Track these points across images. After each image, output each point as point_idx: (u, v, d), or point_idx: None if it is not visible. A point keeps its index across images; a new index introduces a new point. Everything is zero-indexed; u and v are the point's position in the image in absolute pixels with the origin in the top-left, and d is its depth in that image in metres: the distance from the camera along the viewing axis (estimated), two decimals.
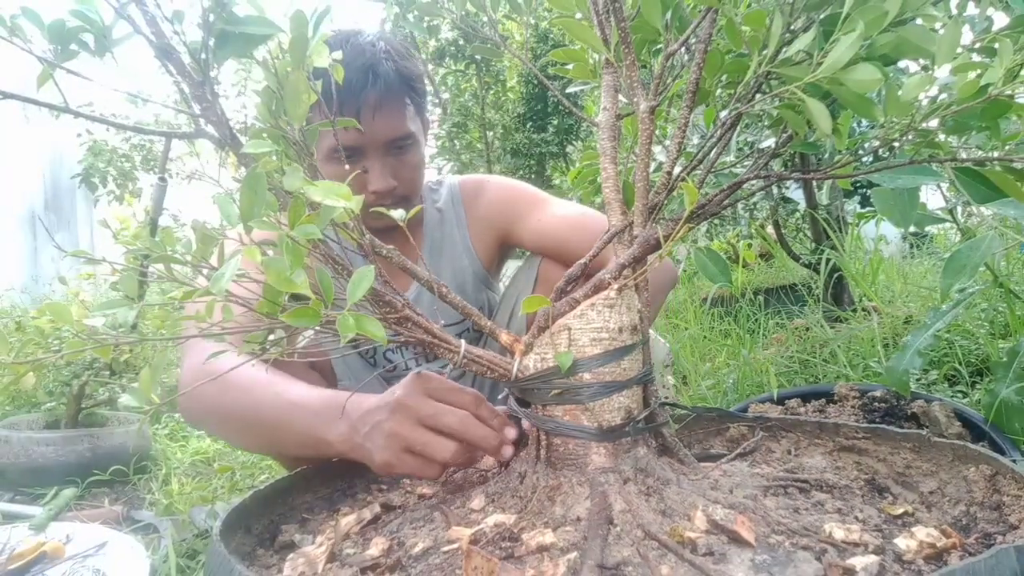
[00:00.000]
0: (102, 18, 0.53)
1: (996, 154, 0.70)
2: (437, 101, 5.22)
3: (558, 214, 1.33)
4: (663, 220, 0.71)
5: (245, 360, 0.70)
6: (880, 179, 0.72)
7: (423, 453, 0.78)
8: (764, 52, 0.62)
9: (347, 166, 1.16)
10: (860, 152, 0.76)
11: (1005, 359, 1.08)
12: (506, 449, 0.79)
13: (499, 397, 0.88)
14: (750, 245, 3.22)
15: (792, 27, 0.65)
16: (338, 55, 0.63)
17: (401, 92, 1.20)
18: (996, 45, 0.58)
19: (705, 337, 2.47)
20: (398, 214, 0.69)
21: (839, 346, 1.83)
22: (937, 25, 0.62)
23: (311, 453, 0.90)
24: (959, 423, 1.11)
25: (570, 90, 0.94)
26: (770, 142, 0.82)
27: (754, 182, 0.75)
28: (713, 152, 0.75)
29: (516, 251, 1.50)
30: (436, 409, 0.79)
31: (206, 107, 0.58)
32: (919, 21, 0.62)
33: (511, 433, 0.79)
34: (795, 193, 2.59)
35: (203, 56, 0.56)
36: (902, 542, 0.56)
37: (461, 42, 4.77)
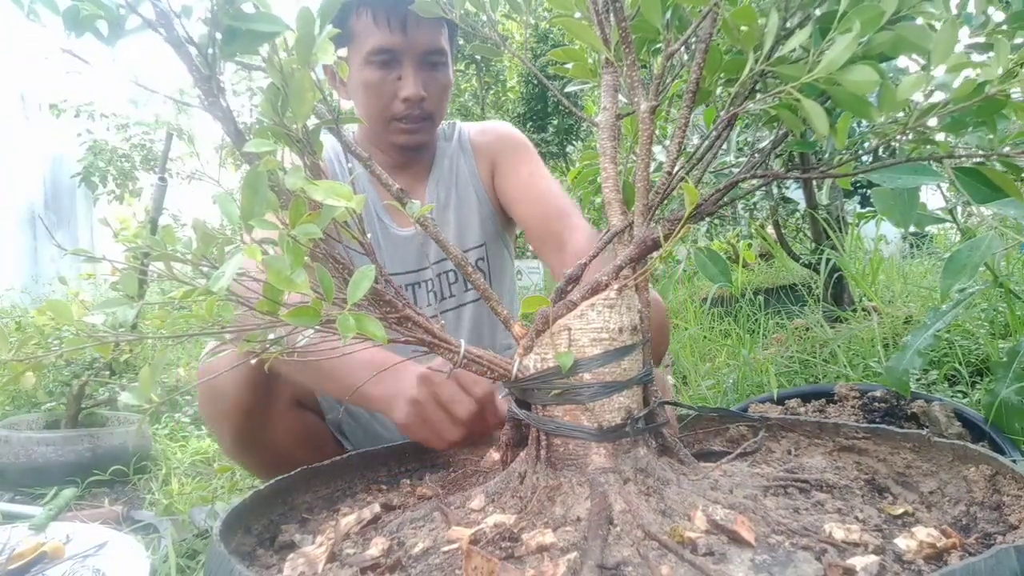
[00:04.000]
0: (115, 5, 0.53)
1: (998, 152, 0.69)
2: None
3: (549, 188, 1.40)
4: (661, 220, 0.71)
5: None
6: (880, 179, 0.71)
7: (435, 429, 0.88)
8: (759, 50, 0.62)
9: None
10: (860, 152, 0.76)
11: (1005, 359, 1.08)
12: (492, 453, 0.86)
13: (499, 397, 0.89)
14: (750, 245, 3.22)
15: (788, 23, 0.65)
16: (343, 52, 0.63)
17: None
18: (994, 41, 0.58)
19: (705, 337, 2.47)
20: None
21: (839, 346, 1.83)
22: (935, 23, 0.61)
23: (355, 402, 0.96)
24: (959, 423, 1.11)
25: (569, 89, 0.94)
26: (768, 141, 0.81)
27: (752, 181, 0.75)
28: (709, 152, 0.75)
29: (520, 247, 1.50)
30: (452, 395, 0.88)
31: (212, 102, 0.58)
32: (919, 21, 0.61)
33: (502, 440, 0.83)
34: (795, 193, 2.59)
35: (210, 51, 0.56)
36: (902, 542, 0.56)
37: (461, 42, 4.77)
